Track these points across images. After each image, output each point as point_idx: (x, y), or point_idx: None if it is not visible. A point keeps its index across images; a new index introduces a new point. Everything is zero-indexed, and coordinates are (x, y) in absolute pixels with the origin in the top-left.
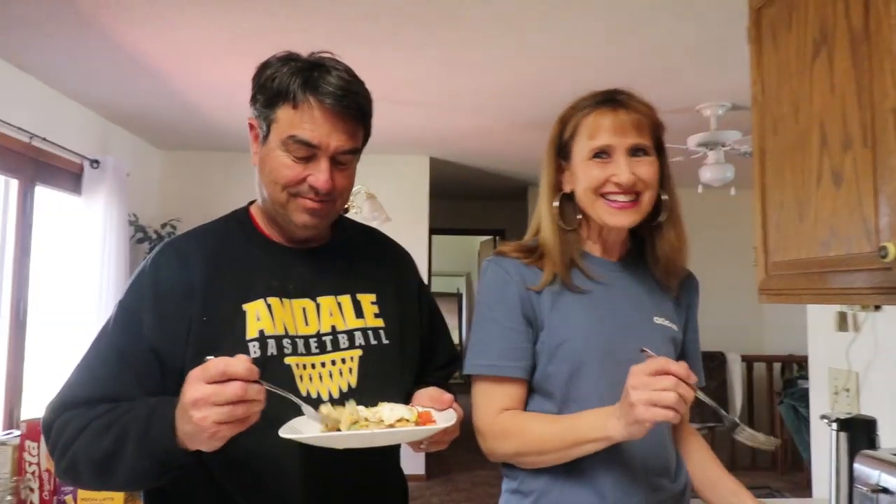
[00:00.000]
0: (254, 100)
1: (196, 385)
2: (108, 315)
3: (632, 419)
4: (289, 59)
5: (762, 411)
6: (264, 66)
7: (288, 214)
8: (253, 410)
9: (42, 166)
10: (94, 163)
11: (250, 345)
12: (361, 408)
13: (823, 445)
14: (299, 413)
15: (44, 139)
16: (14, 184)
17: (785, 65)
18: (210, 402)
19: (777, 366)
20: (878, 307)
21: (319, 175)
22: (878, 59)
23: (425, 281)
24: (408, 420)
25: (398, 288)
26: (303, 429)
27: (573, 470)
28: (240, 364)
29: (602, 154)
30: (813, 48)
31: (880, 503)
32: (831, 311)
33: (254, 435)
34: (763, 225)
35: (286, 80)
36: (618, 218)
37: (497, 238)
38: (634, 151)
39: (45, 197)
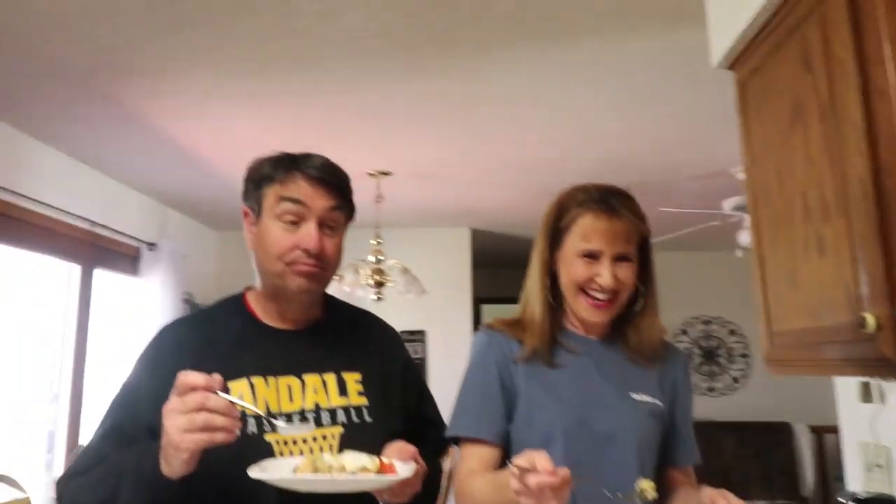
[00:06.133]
0: (245, 191)
1: (169, 400)
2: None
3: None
4: (269, 155)
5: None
6: (251, 165)
7: (285, 283)
8: (216, 422)
9: (102, 251)
10: (151, 245)
11: None
12: (326, 455)
13: None
14: None
15: (104, 226)
16: (76, 269)
17: (768, 136)
18: (177, 410)
19: None
20: None
21: (309, 235)
22: (845, 129)
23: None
24: (369, 469)
25: (384, 367)
26: (272, 469)
27: None
28: (197, 376)
29: (591, 256)
30: (789, 120)
31: None
32: (855, 381)
33: (230, 481)
34: (764, 294)
35: (271, 166)
36: (595, 315)
37: None
38: (619, 258)
39: (107, 276)
